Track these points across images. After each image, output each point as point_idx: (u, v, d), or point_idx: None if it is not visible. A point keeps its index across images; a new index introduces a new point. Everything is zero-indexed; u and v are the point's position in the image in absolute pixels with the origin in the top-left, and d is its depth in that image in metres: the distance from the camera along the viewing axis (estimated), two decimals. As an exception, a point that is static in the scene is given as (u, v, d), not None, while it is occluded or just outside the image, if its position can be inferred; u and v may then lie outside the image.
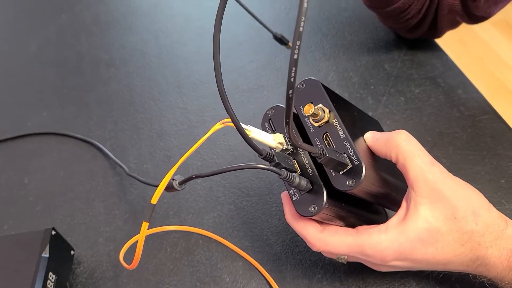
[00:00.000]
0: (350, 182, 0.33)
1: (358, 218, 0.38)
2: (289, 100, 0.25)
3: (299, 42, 0.23)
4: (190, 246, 0.47)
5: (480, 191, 0.35)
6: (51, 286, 0.41)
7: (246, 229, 0.47)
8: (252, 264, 0.45)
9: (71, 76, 0.68)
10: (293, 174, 0.34)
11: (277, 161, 0.33)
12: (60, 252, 0.44)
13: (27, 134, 0.60)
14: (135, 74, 0.66)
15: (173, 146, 0.56)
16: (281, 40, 0.56)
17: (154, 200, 0.33)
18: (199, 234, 0.47)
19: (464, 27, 0.60)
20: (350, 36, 0.65)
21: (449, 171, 0.35)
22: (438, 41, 0.63)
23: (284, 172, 0.33)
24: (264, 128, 0.38)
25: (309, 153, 0.35)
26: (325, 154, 0.32)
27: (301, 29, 0.23)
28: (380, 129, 0.44)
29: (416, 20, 0.56)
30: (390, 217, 0.35)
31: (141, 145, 0.56)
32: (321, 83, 0.37)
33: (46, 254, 0.41)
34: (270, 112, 0.38)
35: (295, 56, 0.24)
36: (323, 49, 0.64)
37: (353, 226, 0.37)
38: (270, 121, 0.38)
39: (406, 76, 0.58)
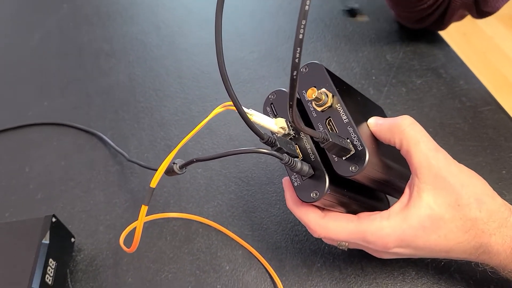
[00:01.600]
0: (353, 168, 0.32)
1: (360, 205, 0.38)
2: (293, 81, 0.25)
3: (304, 21, 0.23)
4: (190, 235, 0.47)
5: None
6: (51, 272, 0.41)
7: (246, 218, 0.47)
8: (251, 252, 0.45)
9: (72, 66, 0.68)
10: (295, 159, 0.33)
11: (278, 146, 0.33)
12: (61, 239, 0.44)
13: (28, 124, 0.60)
14: (136, 64, 0.66)
15: (174, 136, 0.55)
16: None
17: (153, 184, 0.33)
18: (199, 222, 0.47)
19: (468, 21, 0.60)
20: (351, 26, 0.65)
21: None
22: (442, 34, 0.62)
23: (285, 157, 0.32)
24: (265, 112, 0.38)
25: (312, 138, 0.35)
26: (328, 139, 0.31)
27: (306, 7, 0.23)
28: (384, 115, 0.44)
29: (429, 11, 0.55)
30: (392, 204, 0.35)
31: (142, 134, 0.56)
32: (325, 67, 0.36)
33: (46, 240, 0.41)
34: (272, 96, 0.38)
35: (300, 36, 0.23)
36: (324, 40, 0.64)
37: (355, 212, 0.37)
38: (272, 105, 0.38)
39: (408, 67, 0.58)
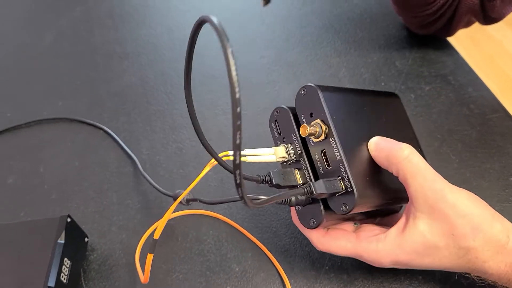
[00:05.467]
0: (343, 208, 0.34)
1: (361, 219, 0.39)
2: (235, 167, 0.26)
3: (239, 121, 0.24)
4: (201, 236, 0.48)
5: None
6: (66, 271, 0.42)
7: (255, 221, 0.48)
8: (261, 254, 0.45)
9: (85, 68, 0.69)
10: (291, 198, 0.34)
11: (274, 182, 0.34)
12: (75, 239, 0.45)
13: (42, 120, 0.61)
14: (148, 67, 0.67)
15: (185, 139, 0.57)
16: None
17: (156, 236, 0.37)
18: (210, 224, 0.48)
19: (477, 25, 0.60)
20: (361, 32, 0.65)
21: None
22: (450, 39, 0.63)
23: (279, 200, 0.34)
24: (271, 128, 0.39)
25: (310, 163, 0.36)
26: (313, 192, 0.33)
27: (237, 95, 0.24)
28: (400, 106, 0.44)
29: (435, 16, 0.56)
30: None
31: (154, 137, 0.57)
32: (320, 90, 0.36)
33: (61, 240, 0.42)
34: (276, 113, 0.39)
35: (237, 141, 0.24)
36: (334, 45, 0.64)
37: (362, 219, 0.38)
38: (276, 122, 0.39)
39: (417, 74, 0.59)
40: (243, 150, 0.33)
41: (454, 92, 0.56)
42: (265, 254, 0.45)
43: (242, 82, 0.61)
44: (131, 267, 0.46)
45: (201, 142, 0.32)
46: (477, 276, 0.36)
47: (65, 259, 0.42)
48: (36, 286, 0.39)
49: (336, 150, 0.34)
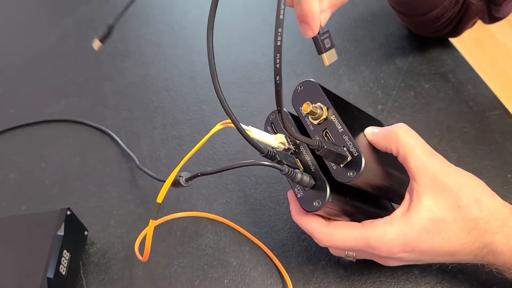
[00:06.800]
0: (350, 174, 0.33)
1: (365, 213, 0.39)
2: (277, 86, 0.26)
3: (280, 29, 0.25)
4: (199, 231, 0.48)
5: (487, 185, 0.35)
6: (65, 263, 0.42)
7: (254, 216, 0.48)
8: (259, 249, 0.46)
9: (89, 66, 0.70)
10: (295, 170, 0.35)
11: (278, 159, 0.34)
12: (75, 231, 0.46)
13: (45, 120, 0.62)
14: (150, 65, 0.67)
15: (185, 135, 0.57)
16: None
17: (159, 199, 0.35)
18: (208, 218, 0.49)
19: (481, 27, 0.60)
20: (362, 31, 0.65)
21: (457, 165, 0.35)
22: (453, 40, 0.63)
23: (285, 168, 0.34)
24: (266, 131, 0.39)
25: (309, 146, 0.36)
26: (323, 146, 0.33)
27: (281, 16, 0.25)
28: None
29: (443, 26, 0.57)
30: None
31: (154, 133, 0.58)
32: (319, 84, 0.37)
33: (61, 232, 0.43)
34: (272, 116, 0.39)
35: (278, 43, 0.25)
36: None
37: (359, 221, 0.37)
38: (272, 124, 0.39)
39: (417, 71, 0.59)
40: (248, 126, 0.33)
41: (454, 90, 0.56)
42: (264, 248, 0.46)
43: (243, 80, 0.62)
44: (130, 261, 0.47)
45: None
46: (486, 265, 0.35)
47: (65, 251, 0.43)
48: (35, 277, 0.40)
49: (338, 124, 0.35)
